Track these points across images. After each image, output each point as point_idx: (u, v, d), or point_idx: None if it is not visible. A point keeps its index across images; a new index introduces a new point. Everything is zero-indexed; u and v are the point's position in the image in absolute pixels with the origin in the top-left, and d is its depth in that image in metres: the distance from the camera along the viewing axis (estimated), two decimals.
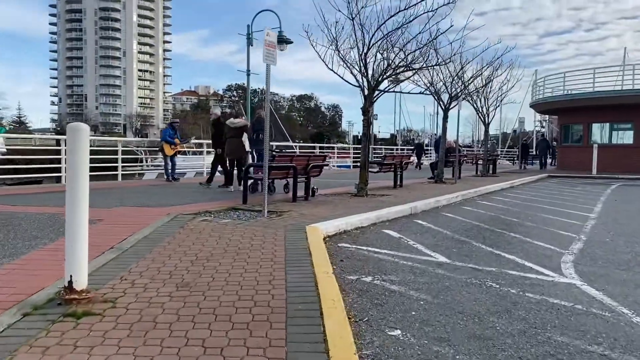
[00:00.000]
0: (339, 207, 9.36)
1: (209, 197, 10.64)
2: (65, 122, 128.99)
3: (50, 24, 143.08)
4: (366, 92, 11.22)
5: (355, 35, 10.85)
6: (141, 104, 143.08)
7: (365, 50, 10.88)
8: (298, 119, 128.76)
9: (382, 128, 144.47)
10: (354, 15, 10.60)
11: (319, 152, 29.21)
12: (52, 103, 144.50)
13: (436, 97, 15.87)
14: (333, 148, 31.53)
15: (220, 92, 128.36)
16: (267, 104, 8.21)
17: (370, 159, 11.62)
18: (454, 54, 10.66)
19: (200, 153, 21.78)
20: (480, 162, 23.56)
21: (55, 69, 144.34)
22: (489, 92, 20.63)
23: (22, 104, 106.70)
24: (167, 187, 13.33)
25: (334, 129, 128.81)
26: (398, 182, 14.19)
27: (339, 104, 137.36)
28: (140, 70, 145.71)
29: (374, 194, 11.63)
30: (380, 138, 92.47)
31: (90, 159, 4.00)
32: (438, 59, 10.49)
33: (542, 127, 57.39)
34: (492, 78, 18.66)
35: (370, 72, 11.10)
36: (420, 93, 12.10)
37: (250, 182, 11.26)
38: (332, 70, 11.14)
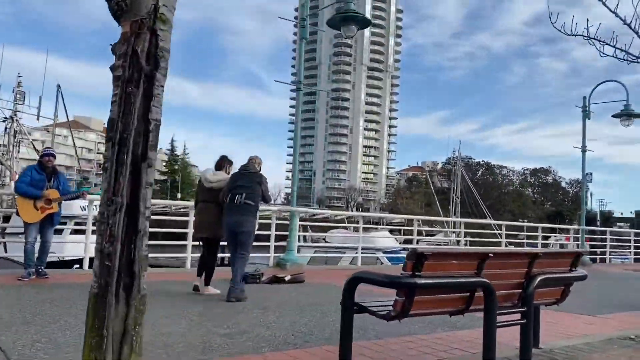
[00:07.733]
0: None
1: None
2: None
3: (290, 106, 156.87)
4: None
5: None
6: (364, 179, 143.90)
7: None
8: (532, 195, 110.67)
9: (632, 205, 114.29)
10: None
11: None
12: (287, 178, 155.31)
13: None
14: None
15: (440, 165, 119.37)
16: None
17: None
18: None
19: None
20: None
21: (291, 147, 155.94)
22: None
23: None
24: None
25: (578, 207, 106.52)
26: None
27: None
28: (365, 146, 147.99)
29: None
30: (619, 217, 69.94)
31: None
32: None
33: None
34: None
35: None
36: None
37: None
38: None
